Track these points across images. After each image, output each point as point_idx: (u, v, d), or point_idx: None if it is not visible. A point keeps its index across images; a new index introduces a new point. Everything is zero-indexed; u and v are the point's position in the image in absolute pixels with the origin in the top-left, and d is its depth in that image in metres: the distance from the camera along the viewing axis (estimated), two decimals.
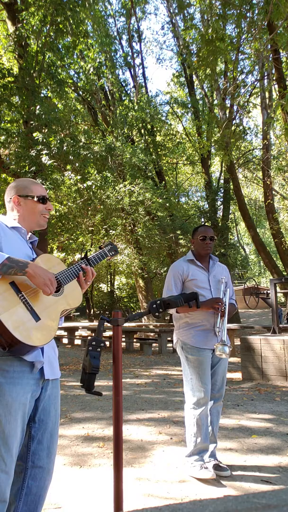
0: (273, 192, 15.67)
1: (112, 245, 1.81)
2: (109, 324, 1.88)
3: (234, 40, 8.44)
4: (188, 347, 2.48)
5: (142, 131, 13.64)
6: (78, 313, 25.93)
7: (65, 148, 7.92)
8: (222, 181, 15.78)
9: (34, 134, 7.86)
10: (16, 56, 9.23)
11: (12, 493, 1.46)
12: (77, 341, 11.64)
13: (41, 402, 1.48)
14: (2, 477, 1.32)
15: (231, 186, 14.44)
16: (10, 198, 1.61)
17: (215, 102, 13.01)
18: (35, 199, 1.61)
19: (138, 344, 10.14)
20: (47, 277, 1.39)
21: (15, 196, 1.60)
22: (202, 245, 2.58)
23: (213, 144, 11.51)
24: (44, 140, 7.76)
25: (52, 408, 1.52)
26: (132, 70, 14.09)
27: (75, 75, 13.20)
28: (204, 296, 2.46)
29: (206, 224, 2.70)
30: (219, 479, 2.34)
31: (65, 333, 12.08)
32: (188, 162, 16.79)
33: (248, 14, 7.83)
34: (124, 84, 14.30)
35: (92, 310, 23.82)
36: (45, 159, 7.70)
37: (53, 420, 1.52)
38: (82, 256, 1.80)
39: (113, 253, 1.79)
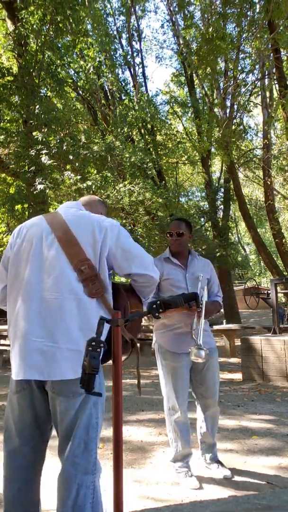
0: (274, 192, 15.64)
1: None
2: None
3: (234, 39, 8.42)
4: (163, 350, 2.36)
5: (142, 130, 13.61)
6: None
7: (64, 147, 7.90)
8: (222, 180, 15.75)
9: (34, 134, 7.84)
10: (16, 55, 9.22)
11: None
12: None
13: None
14: None
15: (231, 186, 14.42)
16: (101, 214, 1.69)
17: (215, 101, 12.98)
18: None
19: (138, 345, 10.12)
20: None
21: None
22: (170, 242, 2.47)
23: (213, 144, 11.48)
24: (44, 140, 7.74)
25: None
26: (132, 69, 14.06)
27: (75, 74, 13.17)
28: None
29: (181, 218, 2.45)
30: (219, 480, 2.32)
31: None
32: (188, 162, 16.77)
33: (248, 13, 7.82)
34: (124, 84, 14.27)
35: None
36: (44, 159, 7.68)
37: None
38: None
39: None
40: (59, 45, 10.09)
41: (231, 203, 15.43)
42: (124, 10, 13.54)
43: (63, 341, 1.35)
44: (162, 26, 27.78)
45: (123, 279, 1.65)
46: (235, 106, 10.78)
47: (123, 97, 13.74)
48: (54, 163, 8.24)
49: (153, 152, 13.43)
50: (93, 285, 1.38)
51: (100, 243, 1.42)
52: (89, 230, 1.44)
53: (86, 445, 1.35)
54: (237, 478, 2.34)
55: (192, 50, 9.24)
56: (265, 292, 7.97)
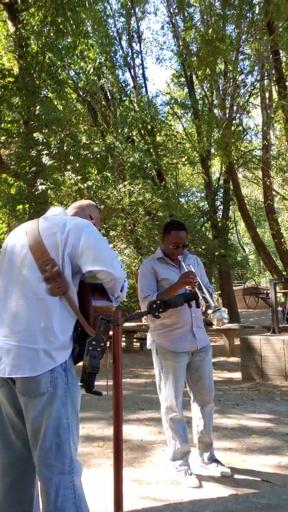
0: (273, 192, 15.66)
1: None
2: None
3: (234, 41, 8.44)
4: (164, 351, 2.36)
5: (142, 131, 13.63)
6: None
7: (65, 148, 7.92)
8: (222, 181, 15.77)
9: (35, 135, 7.86)
10: (17, 57, 9.24)
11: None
12: None
13: None
14: None
15: (231, 186, 14.44)
16: (90, 216, 1.75)
17: (215, 102, 12.99)
18: None
19: (138, 344, 10.14)
20: None
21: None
22: (172, 251, 2.44)
23: (213, 145, 11.48)
24: (44, 140, 7.76)
25: None
26: (132, 70, 14.07)
27: (75, 75, 13.19)
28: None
29: (180, 226, 2.21)
30: (219, 479, 2.34)
31: None
32: (188, 163, 16.78)
33: (248, 15, 7.83)
34: (124, 85, 14.28)
35: None
36: (45, 159, 7.70)
37: None
38: None
39: None
40: (60, 47, 10.11)
41: (230, 203, 15.44)
42: (124, 12, 13.53)
43: (22, 339, 1.39)
44: (162, 28, 27.67)
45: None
46: (235, 107, 10.79)
47: (124, 98, 13.76)
48: (55, 164, 8.25)
49: (153, 153, 13.44)
50: (55, 283, 1.43)
51: (63, 242, 1.48)
52: (54, 232, 1.50)
53: (59, 447, 1.35)
54: (236, 477, 2.36)
55: (192, 52, 9.26)
56: (265, 292, 7.99)
